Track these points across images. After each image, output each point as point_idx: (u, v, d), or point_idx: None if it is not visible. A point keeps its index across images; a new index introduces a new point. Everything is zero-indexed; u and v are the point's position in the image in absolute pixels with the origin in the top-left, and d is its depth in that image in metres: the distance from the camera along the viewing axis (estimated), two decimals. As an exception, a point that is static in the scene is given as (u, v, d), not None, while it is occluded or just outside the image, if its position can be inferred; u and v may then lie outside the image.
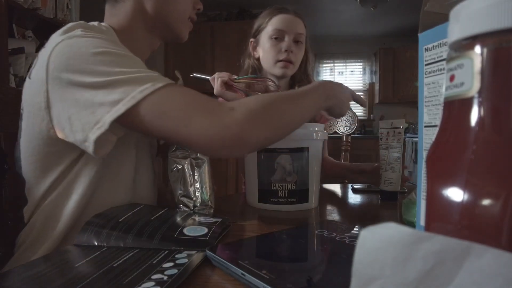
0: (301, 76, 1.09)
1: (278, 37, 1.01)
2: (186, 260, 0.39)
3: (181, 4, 0.71)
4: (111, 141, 0.52)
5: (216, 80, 0.91)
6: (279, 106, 0.56)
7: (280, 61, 1.00)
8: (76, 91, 0.50)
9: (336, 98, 0.69)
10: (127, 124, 0.51)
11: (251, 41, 1.10)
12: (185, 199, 0.61)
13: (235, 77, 0.93)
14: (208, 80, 0.94)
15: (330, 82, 0.70)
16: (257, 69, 1.09)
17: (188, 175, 0.61)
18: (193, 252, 0.42)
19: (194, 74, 0.97)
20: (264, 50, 1.04)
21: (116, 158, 0.60)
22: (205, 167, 0.63)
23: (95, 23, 0.65)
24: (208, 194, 0.62)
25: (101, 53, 0.51)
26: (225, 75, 0.91)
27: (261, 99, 0.55)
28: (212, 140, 0.49)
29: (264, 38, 1.04)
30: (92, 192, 0.58)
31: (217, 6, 3.87)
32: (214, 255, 0.39)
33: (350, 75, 4.69)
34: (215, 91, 0.93)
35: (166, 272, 0.35)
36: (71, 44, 0.52)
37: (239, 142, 0.50)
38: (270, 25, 1.02)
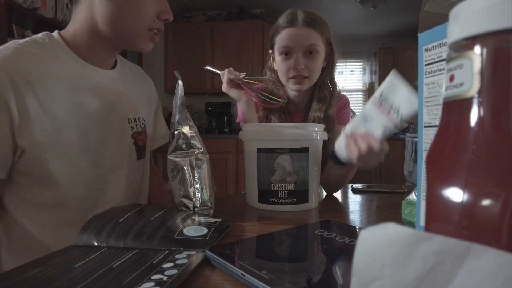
0: (324, 80, 1.02)
1: (287, 53, 0.95)
2: (186, 260, 0.39)
3: (134, 20, 0.65)
4: None
5: (225, 77, 0.92)
6: None
7: (292, 78, 0.96)
8: None
9: None
10: None
11: (270, 53, 1.05)
12: (185, 200, 0.61)
13: (244, 75, 0.92)
14: (219, 74, 0.95)
15: None
16: (277, 81, 1.03)
17: (188, 175, 0.61)
18: (193, 252, 0.42)
19: (207, 67, 0.97)
20: (277, 65, 1.00)
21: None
22: (205, 168, 0.63)
23: (39, 36, 0.65)
24: (208, 195, 0.62)
25: None
26: (232, 73, 0.92)
27: None
28: None
29: (276, 53, 0.99)
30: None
31: (217, 6, 3.87)
32: (214, 256, 0.39)
33: (350, 74, 4.69)
34: (222, 88, 0.93)
35: (166, 273, 0.35)
36: None
37: None
38: (278, 41, 0.97)
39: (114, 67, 0.76)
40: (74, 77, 0.65)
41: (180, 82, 0.63)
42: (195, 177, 0.61)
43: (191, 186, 0.61)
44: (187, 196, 0.61)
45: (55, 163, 0.62)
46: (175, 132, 0.63)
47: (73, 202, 0.65)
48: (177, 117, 0.63)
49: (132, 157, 0.76)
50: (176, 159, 0.62)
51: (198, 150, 0.63)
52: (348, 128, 0.71)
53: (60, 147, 0.62)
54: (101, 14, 0.64)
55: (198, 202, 0.61)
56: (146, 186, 0.84)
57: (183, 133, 0.63)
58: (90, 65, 0.69)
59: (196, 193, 0.61)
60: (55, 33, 0.68)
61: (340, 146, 0.72)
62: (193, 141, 0.63)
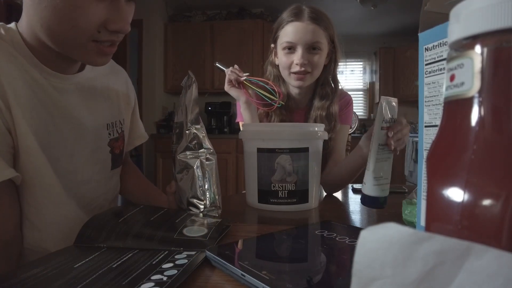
0: (326, 77, 1.01)
1: (290, 47, 0.95)
2: (186, 260, 0.39)
3: (68, 30, 0.52)
4: None
5: (226, 77, 0.92)
6: None
7: (294, 73, 0.95)
8: None
9: None
10: None
11: (272, 47, 1.04)
12: (194, 200, 0.61)
13: (246, 75, 0.92)
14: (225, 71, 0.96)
15: None
16: (278, 76, 1.03)
17: (197, 176, 0.61)
18: (193, 252, 0.42)
19: (217, 64, 0.98)
20: (279, 60, 0.99)
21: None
22: (213, 168, 0.62)
23: None
24: (217, 196, 0.62)
25: None
26: (233, 73, 0.92)
27: None
28: None
29: (279, 48, 0.98)
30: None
31: (217, 5, 3.87)
32: (214, 256, 0.39)
33: (351, 74, 4.69)
34: (225, 86, 0.95)
35: (165, 273, 0.35)
36: None
37: None
38: (282, 35, 0.96)
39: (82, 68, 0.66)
40: (38, 82, 0.57)
41: (195, 81, 0.63)
42: (206, 178, 0.61)
43: (200, 187, 0.61)
44: (197, 197, 0.61)
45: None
46: (187, 132, 0.62)
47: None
48: (189, 116, 0.62)
49: (107, 167, 0.70)
50: (186, 160, 0.62)
51: (208, 150, 0.63)
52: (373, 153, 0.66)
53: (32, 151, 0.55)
54: (36, 20, 0.53)
55: (208, 202, 0.61)
56: (117, 195, 0.78)
57: (195, 133, 0.62)
58: (53, 72, 0.59)
59: (206, 193, 0.61)
60: (12, 25, 0.57)
61: (368, 186, 0.64)
62: (203, 141, 0.63)
